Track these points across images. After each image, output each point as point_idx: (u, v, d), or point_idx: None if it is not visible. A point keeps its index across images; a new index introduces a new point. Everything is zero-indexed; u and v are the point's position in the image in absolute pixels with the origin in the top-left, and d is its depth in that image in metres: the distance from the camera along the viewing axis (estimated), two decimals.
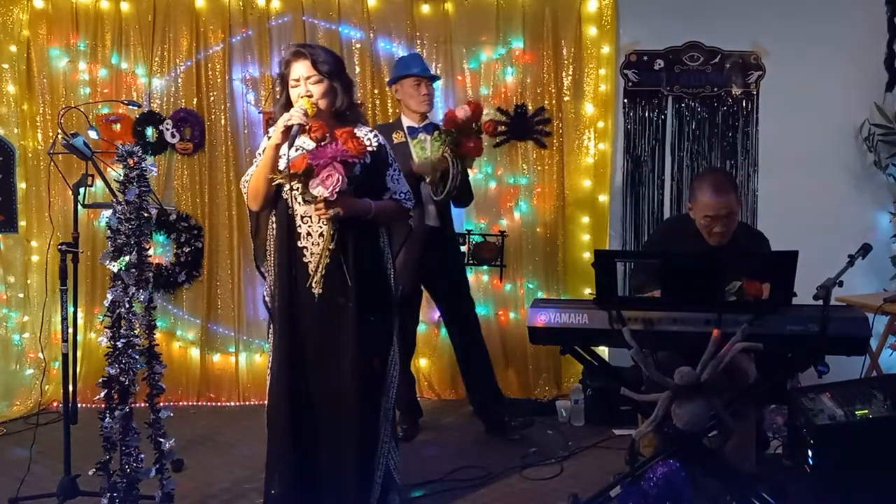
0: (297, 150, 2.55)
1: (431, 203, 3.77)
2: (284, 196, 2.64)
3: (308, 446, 2.68)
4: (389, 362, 2.78)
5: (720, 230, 3.11)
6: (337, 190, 2.48)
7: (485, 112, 3.84)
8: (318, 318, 2.66)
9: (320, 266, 2.61)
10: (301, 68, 2.61)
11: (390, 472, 2.80)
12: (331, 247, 2.60)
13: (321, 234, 2.62)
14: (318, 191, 2.49)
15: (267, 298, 2.78)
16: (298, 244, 2.65)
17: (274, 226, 2.72)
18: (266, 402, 2.82)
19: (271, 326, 2.78)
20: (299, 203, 2.59)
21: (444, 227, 3.85)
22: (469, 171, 3.83)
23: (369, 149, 2.67)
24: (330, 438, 2.68)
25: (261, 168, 2.63)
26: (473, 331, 3.98)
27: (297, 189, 2.54)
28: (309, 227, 2.64)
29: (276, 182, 2.59)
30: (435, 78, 3.95)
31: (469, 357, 4.00)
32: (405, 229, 2.91)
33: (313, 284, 2.62)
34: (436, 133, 3.71)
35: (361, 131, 2.68)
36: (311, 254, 2.64)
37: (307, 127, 2.56)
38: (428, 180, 3.67)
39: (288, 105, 2.65)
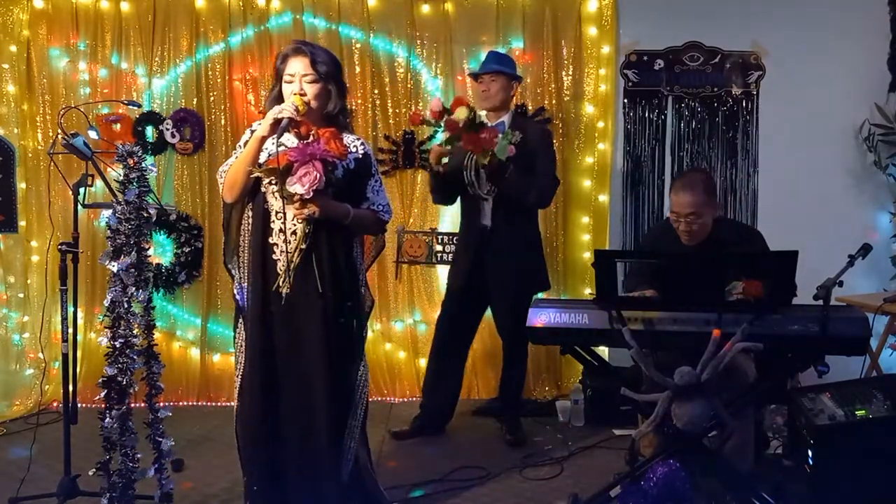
0: (280, 146, 2.49)
1: (486, 201, 3.72)
2: (263, 190, 2.60)
3: (278, 444, 2.64)
4: (358, 376, 2.72)
5: (684, 229, 3.12)
6: (314, 188, 2.44)
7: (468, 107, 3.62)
8: (285, 318, 2.60)
9: (290, 266, 2.56)
10: (298, 65, 2.58)
11: (367, 466, 2.78)
12: (303, 246, 2.56)
13: (293, 233, 2.58)
14: (295, 188, 2.44)
15: (237, 295, 2.72)
16: (269, 240, 2.60)
17: (250, 220, 2.67)
18: (235, 404, 2.73)
19: (240, 323, 2.72)
20: (275, 198, 2.54)
21: (496, 228, 3.73)
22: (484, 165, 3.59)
23: (354, 155, 2.65)
24: (298, 437, 2.62)
25: (242, 159, 2.58)
26: (513, 344, 3.89)
27: (275, 184, 2.50)
28: (282, 223, 2.57)
29: (255, 176, 2.54)
30: (501, 72, 3.77)
31: (510, 363, 3.97)
32: (379, 243, 2.87)
33: (281, 284, 2.58)
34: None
35: (348, 138, 2.66)
36: (281, 252, 2.59)
37: (297, 122, 2.52)
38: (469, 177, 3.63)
39: (279, 99, 2.61)
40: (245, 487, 2.72)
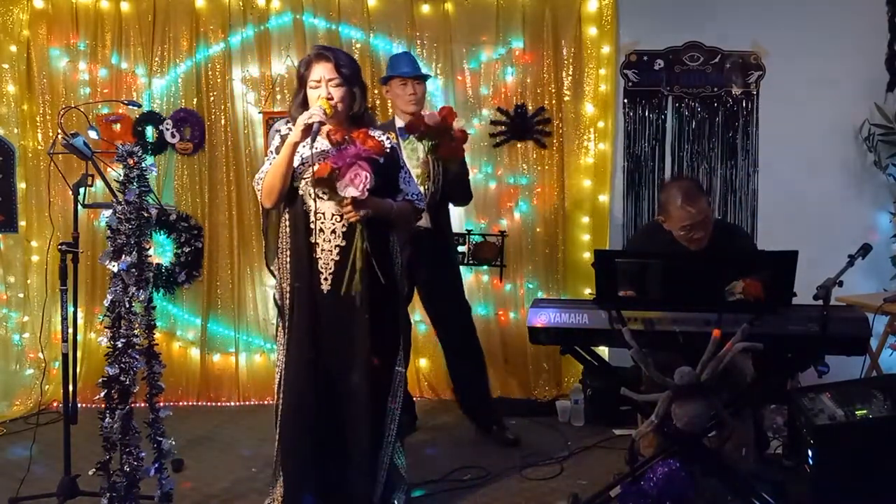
0: (315, 149, 2.55)
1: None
2: (301, 192, 2.66)
3: (318, 445, 2.69)
4: (396, 361, 2.80)
5: (700, 235, 3.11)
6: (367, 188, 2.50)
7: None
8: (330, 315, 2.67)
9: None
10: (323, 70, 2.63)
11: (397, 469, 2.81)
12: (363, 245, 2.60)
13: (333, 231, 2.64)
14: (349, 191, 2.49)
15: (277, 297, 2.79)
16: (311, 240, 2.66)
17: (287, 222, 2.73)
18: (275, 402, 2.79)
19: (281, 325, 2.78)
20: (312, 198, 2.61)
21: (435, 228, 3.75)
22: (449, 171, 3.62)
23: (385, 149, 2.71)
24: (337, 436, 2.69)
25: (277, 165, 2.63)
26: (465, 334, 3.89)
27: (325, 194, 2.56)
28: (322, 223, 2.65)
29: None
30: (422, 77, 3.80)
31: (456, 359, 3.94)
32: (407, 232, 2.93)
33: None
34: (424, 140, 3.60)
35: (375, 133, 2.70)
36: (322, 251, 2.65)
37: (326, 125, 2.58)
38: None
39: (305, 105, 2.67)
40: (283, 486, 2.75)
